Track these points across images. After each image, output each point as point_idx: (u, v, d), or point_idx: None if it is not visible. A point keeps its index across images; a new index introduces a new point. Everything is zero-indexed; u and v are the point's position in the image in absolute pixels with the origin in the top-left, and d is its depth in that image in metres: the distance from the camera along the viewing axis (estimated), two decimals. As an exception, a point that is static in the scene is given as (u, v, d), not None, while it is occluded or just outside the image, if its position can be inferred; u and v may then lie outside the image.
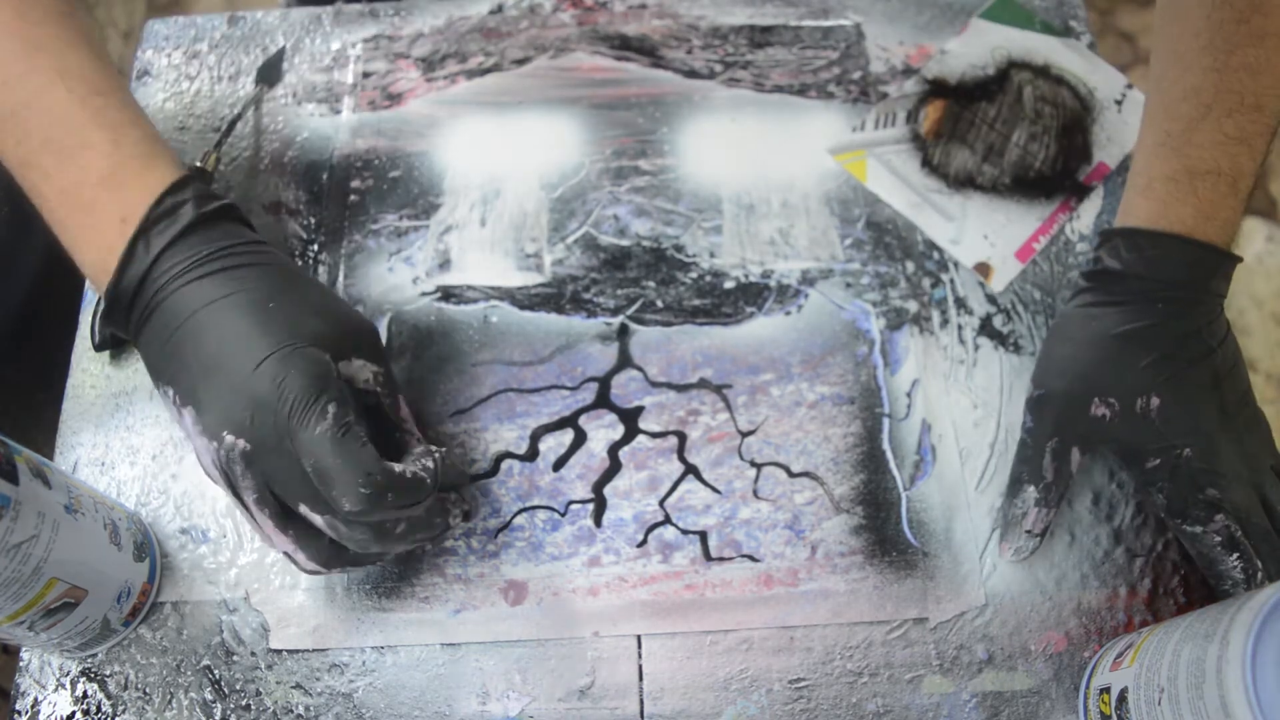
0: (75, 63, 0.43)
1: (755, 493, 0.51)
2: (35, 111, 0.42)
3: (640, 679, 0.47)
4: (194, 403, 0.40)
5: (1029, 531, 0.48)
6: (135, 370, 0.53)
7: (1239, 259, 0.48)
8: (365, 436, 0.40)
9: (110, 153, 0.42)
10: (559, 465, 0.51)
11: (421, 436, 0.45)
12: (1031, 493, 0.48)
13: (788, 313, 0.55)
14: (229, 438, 0.39)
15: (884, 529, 0.50)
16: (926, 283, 0.56)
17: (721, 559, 0.49)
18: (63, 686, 0.46)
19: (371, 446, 0.40)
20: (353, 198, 0.58)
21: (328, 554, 0.41)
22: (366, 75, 0.62)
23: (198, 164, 0.56)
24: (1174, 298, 0.47)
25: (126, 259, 0.41)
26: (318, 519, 0.40)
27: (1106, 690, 0.42)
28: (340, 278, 0.55)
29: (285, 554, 0.41)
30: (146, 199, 0.42)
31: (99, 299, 0.53)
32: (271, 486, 0.40)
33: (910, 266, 0.57)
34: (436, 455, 0.43)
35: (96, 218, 0.42)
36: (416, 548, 0.46)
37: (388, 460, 0.40)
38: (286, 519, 0.40)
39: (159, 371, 0.42)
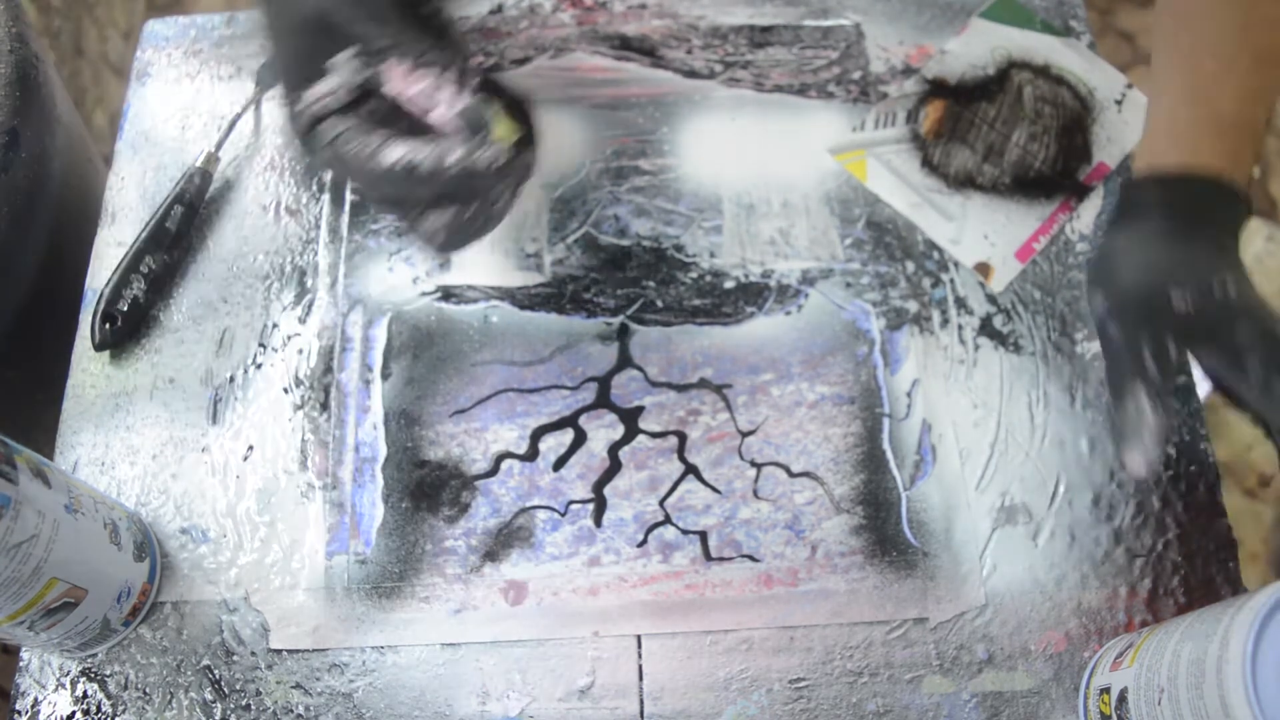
0: None
1: (755, 493, 0.51)
2: None
3: (640, 679, 0.47)
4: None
5: (1152, 434, 0.45)
6: (135, 370, 0.53)
7: (1251, 213, 0.48)
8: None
9: None
10: (559, 465, 0.51)
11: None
12: (1142, 392, 0.45)
13: (788, 313, 0.55)
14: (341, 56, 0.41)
15: (884, 529, 0.50)
16: (926, 283, 0.56)
17: (721, 559, 0.49)
18: (63, 686, 0.46)
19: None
20: (353, 198, 0.58)
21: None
22: (366, 75, 0.62)
23: (198, 164, 0.56)
24: (1211, 221, 0.47)
25: None
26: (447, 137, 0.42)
27: (1106, 690, 0.42)
28: (340, 277, 0.55)
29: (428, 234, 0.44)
30: None
31: (99, 299, 0.53)
32: (396, 50, 0.41)
33: (910, 266, 0.57)
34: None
35: None
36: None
37: None
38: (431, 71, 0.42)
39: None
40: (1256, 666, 0.31)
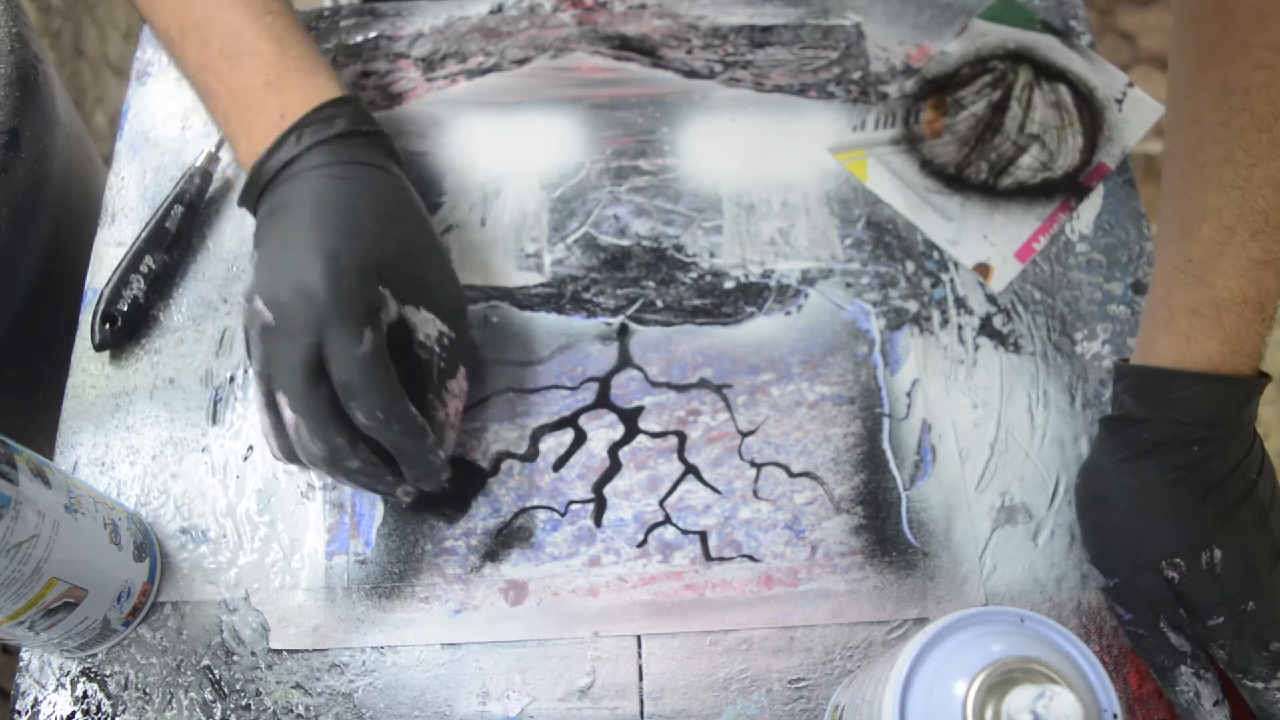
0: None
1: (755, 493, 0.51)
2: (215, 25, 0.48)
3: (640, 679, 0.47)
4: (255, 266, 0.44)
5: (1216, 704, 0.44)
6: (135, 370, 0.53)
7: (1269, 379, 0.45)
8: (394, 371, 0.43)
9: (276, 61, 0.48)
10: (559, 465, 0.51)
11: (453, 421, 0.47)
12: (1187, 673, 0.44)
13: (788, 313, 0.55)
14: (259, 304, 0.42)
15: (884, 529, 0.50)
16: (926, 283, 0.56)
17: (721, 559, 0.49)
18: (63, 686, 0.46)
19: (397, 382, 0.43)
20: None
21: (289, 449, 0.43)
22: (366, 75, 0.62)
23: (198, 164, 0.56)
24: (1208, 436, 0.43)
25: (276, 146, 0.46)
26: (289, 415, 0.42)
27: (837, 706, 0.43)
28: (340, 278, 0.55)
29: (262, 432, 0.44)
30: (306, 103, 0.47)
31: (99, 299, 0.53)
32: (270, 366, 0.42)
33: (910, 266, 0.57)
34: (441, 451, 0.46)
35: (258, 113, 0.47)
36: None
37: None
38: (270, 402, 0.43)
39: (256, 233, 0.46)
40: (909, 688, 0.33)
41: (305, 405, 0.41)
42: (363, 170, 0.46)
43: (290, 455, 0.44)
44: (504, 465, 0.51)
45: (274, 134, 0.46)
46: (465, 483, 0.50)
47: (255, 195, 0.47)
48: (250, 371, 0.43)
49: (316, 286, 0.41)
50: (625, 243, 0.57)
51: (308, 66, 0.48)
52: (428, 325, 0.46)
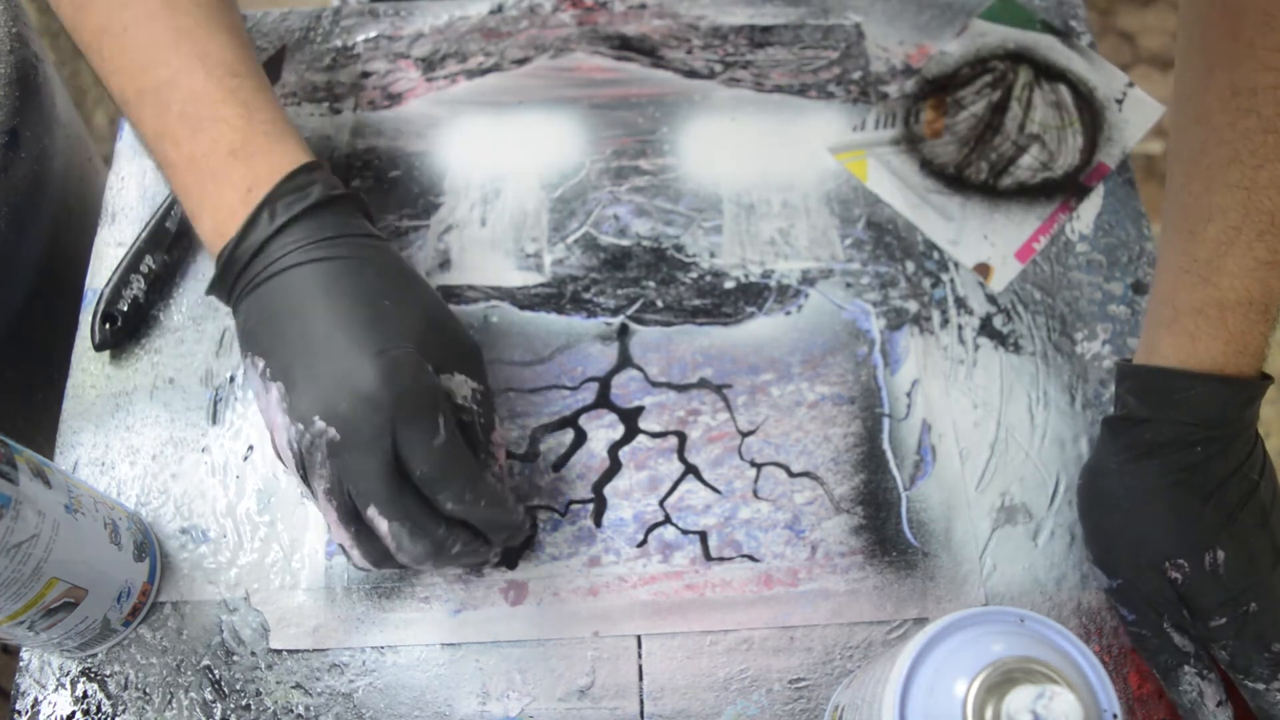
0: (216, 48, 0.45)
1: (755, 493, 0.51)
2: (175, 88, 0.44)
3: (640, 679, 0.47)
4: (287, 381, 0.40)
5: (1220, 705, 0.44)
6: (135, 370, 0.53)
7: (1271, 380, 0.45)
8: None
9: (242, 126, 0.44)
10: (559, 465, 0.51)
11: (504, 465, 0.45)
12: (1190, 674, 0.45)
13: (788, 313, 0.55)
14: (319, 424, 0.39)
15: (884, 529, 0.50)
16: (926, 283, 0.56)
17: (721, 559, 0.49)
18: (63, 686, 0.46)
19: (474, 460, 0.41)
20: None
21: (380, 555, 0.41)
22: (366, 75, 0.62)
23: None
24: (1211, 437, 0.44)
25: (249, 225, 0.42)
26: (383, 525, 0.39)
27: (838, 707, 0.43)
28: (340, 278, 0.55)
29: (340, 546, 0.41)
30: (274, 173, 0.43)
31: (99, 299, 0.53)
32: (346, 482, 0.39)
33: (910, 266, 0.57)
34: (519, 503, 0.44)
35: (222, 185, 0.43)
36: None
37: None
38: (350, 515, 0.40)
39: (253, 340, 0.42)
40: (909, 689, 0.33)
41: (400, 509, 0.39)
42: (352, 244, 0.43)
43: (381, 561, 0.41)
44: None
45: (243, 210, 0.42)
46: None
47: (230, 282, 0.43)
48: (317, 488, 0.40)
49: (378, 389, 0.39)
50: (625, 243, 0.57)
51: (275, 131, 0.44)
52: (463, 387, 0.43)
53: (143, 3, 0.45)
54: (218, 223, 0.43)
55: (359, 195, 0.45)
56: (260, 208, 0.42)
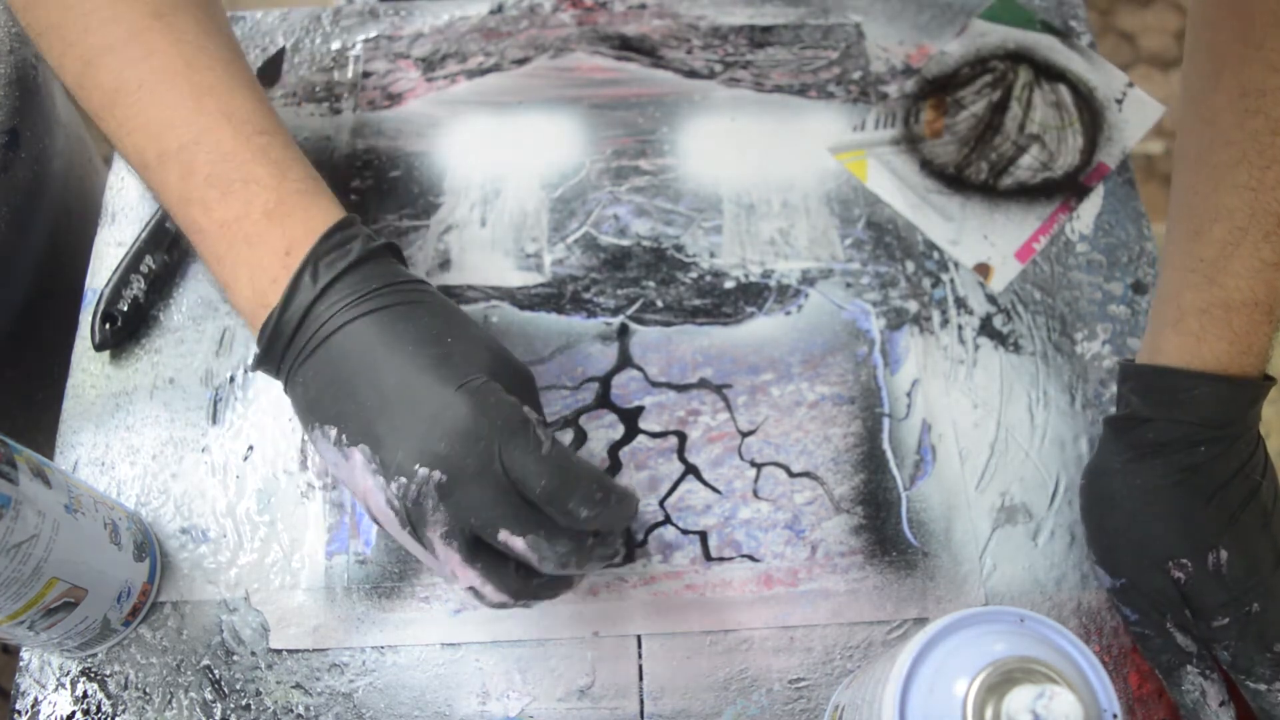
0: (240, 105, 0.43)
1: (755, 493, 0.51)
2: (202, 148, 0.42)
3: (640, 679, 0.47)
4: (370, 440, 0.38)
5: (1222, 704, 0.45)
6: (135, 370, 0.53)
7: (1274, 382, 0.45)
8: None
9: (275, 186, 0.41)
10: (559, 465, 0.51)
11: None
12: (1193, 673, 0.45)
13: (788, 313, 0.55)
14: (422, 470, 0.37)
15: (884, 529, 0.50)
16: (926, 283, 0.56)
17: (721, 559, 0.49)
18: (63, 686, 0.46)
19: (587, 461, 0.39)
20: (353, 197, 0.58)
21: (516, 584, 0.39)
22: (366, 75, 0.62)
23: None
24: (1215, 437, 0.44)
25: (292, 289, 0.40)
26: (519, 542, 0.37)
27: (838, 706, 0.43)
28: (340, 278, 0.55)
29: (470, 589, 0.39)
30: (312, 232, 0.41)
31: (99, 299, 0.53)
32: (467, 517, 0.38)
33: (910, 266, 0.57)
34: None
35: (259, 250, 0.41)
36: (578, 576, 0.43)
37: None
38: (474, 551, 0.38)
39: (320, 411, 0.40)
40: (909, 688, 0.33)
41: (530, 523, 0.37)
42: (400, 292, 0.41)
43: (519, 590, 0.39)
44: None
45: (283, 275, 0.40)
46: None
47: (280, 352, 0.40)
48: (433, 535, 0.38)
49: (472, 419, 0.37)
50: (625, 243, 0.57)
51: (308, 190, 0.42)
52: (529, 416, 0.41)
53: (159, 58, 0.43)
54: (257, 291, 0.41)
55: (394, 244, 0.43)
56: (302, 269, 0.40)
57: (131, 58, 0.43)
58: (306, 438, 0.42)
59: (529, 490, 0.38)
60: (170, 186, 0.42)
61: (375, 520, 0.40)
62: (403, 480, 0.37)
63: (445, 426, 0.37)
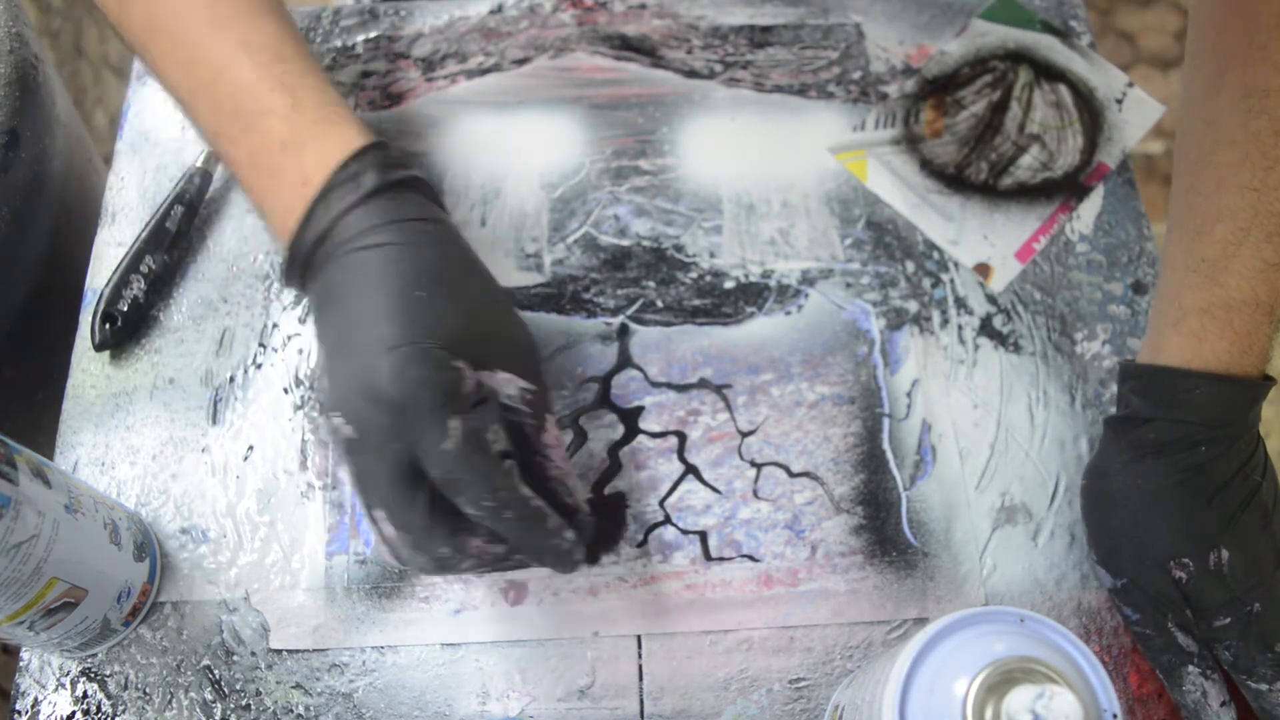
0: (259, 33, 0.44)
1: (755, 493, 0.51)
2: (223, 82, 0.43)
3: (640, 679, 0.47)
4: (324, 373, 0.40)
5: (1223, 705, 0.44)
6: (135, 370, 0.53)
7: (1275, 382, 0.45)
8: (496, 450, 0.39)
9: (289, 116, 0.42)
10: (559, 465, 0.51)
11: (567, 469, 0.43)
12: (1194, 673, 0.45)
13: (788, 313, 0.55)
14: (337, 419, 0.38)
15: (884, 529, 0.50)
16: (926, 283, 0.56)
17: (721, 559, 0.49)
18: (63, 686, 0.46)
19: (501, 462, 0.39)
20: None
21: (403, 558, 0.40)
22: (366, 75, 0.62)
23: (198, 164, 0.56)
24: (1215, 437, 0.44)
25: (305, 221, 0.41)
26: (389, 530, 0.38)
27: (838, 706, 0.43)
28: (340, 278, 0.55)
29: (378, 544, 0.40)
30: (326, 163, 0.41)
31: (99, 299, 0.53)
32: (359, 482, 0.38)
33: (910, 266, 0.57)
34: (583, 516, 0.42)
35: (279, 181, 0.42)
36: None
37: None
38: (372, 518, 0.39)
39: (316, 329, 0.42)
40: (909, 688, 0.33)
41: (402, 518, 0.38)
42: (403, 229, 0.41)
43: (409, 565, 0.40)
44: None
45: (299, 205, 0.41)
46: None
47: (299, 275, 0.42)
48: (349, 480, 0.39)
49: (386, 387, 0.37)
50: (625, 243, 0.57)
51: (324, 117, 0.43)
52: (508, 386, 0.41)
53: None
54: (280, 218, 0.42)
55: (418, 176, 0.43)
56: (314, 203, 0.41)
57: None
58: None
59: (430, 476, 0.38)
60: (203, 119, 0.44)
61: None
62: (328, 418, 0.38)
63: (363, 385, 0.38)
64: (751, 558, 0.49)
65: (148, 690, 0.46)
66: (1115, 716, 0.33)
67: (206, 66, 0.43)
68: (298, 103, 0.42)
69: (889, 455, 0.52)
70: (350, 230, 0.40)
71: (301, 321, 0.54)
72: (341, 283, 0.40)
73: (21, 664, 0.47)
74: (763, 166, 0.59)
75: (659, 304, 0.55)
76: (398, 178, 0.42)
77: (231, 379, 0.53)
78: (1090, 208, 0.59)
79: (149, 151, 0.59)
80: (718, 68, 0.63)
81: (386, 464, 0.37)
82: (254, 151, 0.42)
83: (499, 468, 0.38)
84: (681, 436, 0.52)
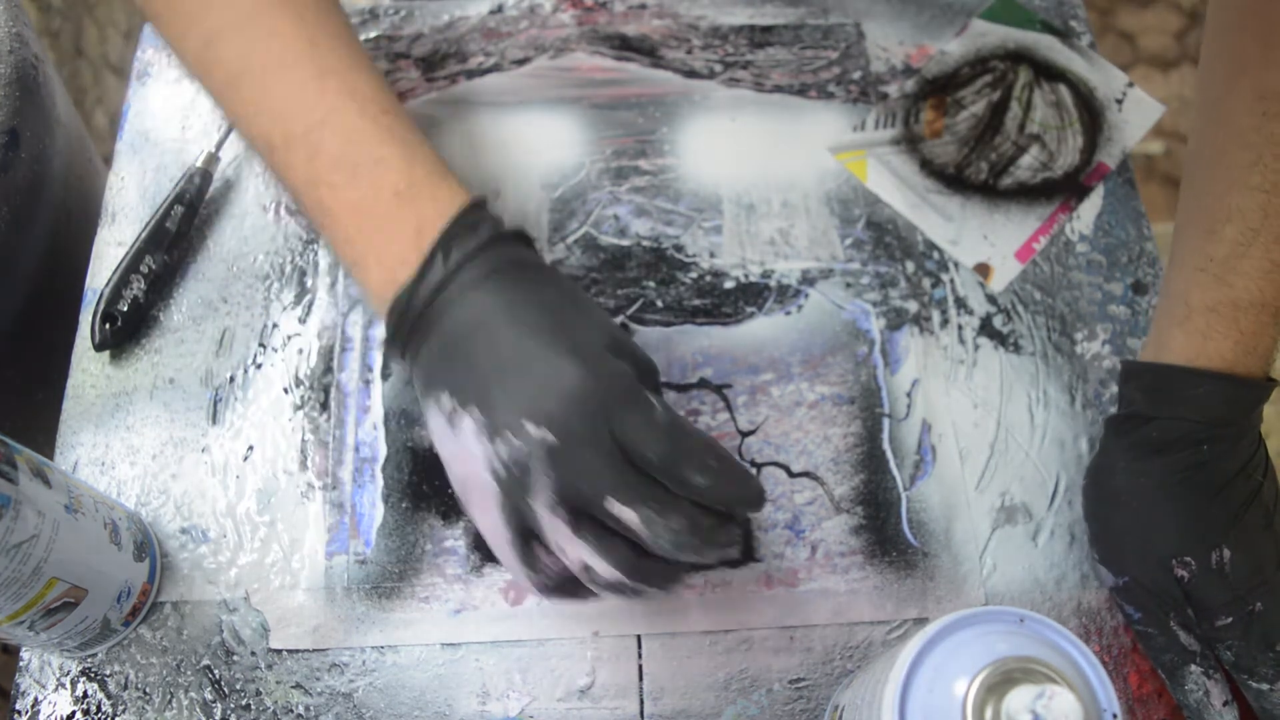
0: (364, 84, 0.43)
1: (755, 493, 0.51)
2: (328, 130, 0.42)
3: (640, 679, 0.47)
4: (480, 402, 0.38)
5: (1226, 704, 0.44)
6: (135, 370, 0.53)
7: (1277, 384, 0.45)
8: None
9: (404, 168, 0.42)
10: (559, 465, 0.51)
11: None
12: (1196, 673, 0.45)
13: (788, 313, 0.55)
14: (530, 428, 0.36)
15: (884, 529, 0.50)
16: (926, 283, 0.56)
17: (721, 559, 0.49)
18: (63, 686, 0.46)
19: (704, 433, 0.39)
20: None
21: (629, 561, 0.37)
22: (366, 75, 0.62)
23: (198, 164, 0.56)
24: (1218, 436, 0.44)
25: (424, 269, 0.40)
26: (629, 513, 0.36)
27: (837, 706, 0.43)
28: (341, 278, 0.55)
29: (582, 566, 0.37)
30: (443, 213, 0.41)
31: (99, 299, 0.53)
32: (575, 483, 0.36)
33: (910, 266, 0.57)
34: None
35: (390, 231, 0.41)
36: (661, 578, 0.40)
37: None
38: (580, 522, 0.37)
39: (435, 378, 0.40)
40: (909, 688, 0.33)
41: (641, 492, 0.36)
42: (529, 270, 0.41)
43: (633, 568, 0.37)
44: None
45: (414, 254, 0.40)
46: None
47: (406, 331, 0.40)
48: (538, 503, 0.37)
49: (585, 380, 0.37)
50: (625, 243, 0.57)
51: (437, 170, 0.42)
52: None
53: (281, 39, 0.43)
54: (387, 271, 0.40)
55: (524, 230, 0.43)
56: (434, 250, 0.40)
57: (254, 37, 0.43)
58: (424, 416, 0.42)
59: (643, 459, 0.37)
60: (296, 169, 0.42)
61: (469, 509, 0.39)
62: (510, 437, 0.37)
63: (556, 388, 0.37)
64: (752, 558, 0.49)
65: (148, 690, 0.46)
66: (1115, 716, 0.33)
67: (309, 114, 0.42)
68: (410, 154, 0.42)
69: (889, 455, 0.52)
70: (476, 274, 0.40)
71: (301, 321, 0.54)
72: (479, 317, 0.39)
73: (21, 664, 0.47)
74: (763, 166, 0.59)
75: (659, 304, 0.55)
76: (510, 230, 0.42)
77: (231, 379, 0.53)
78: (1090, 208, 0.59)
79: (149, 151, 0.59)
80: (718, 68, 0.63)
81: (605, 449, 0.36)
82: (360, 201, 0.41)
83: (704, 434, 0.38)
84: (681, 436, 0.52)
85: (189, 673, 0.46)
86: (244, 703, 0.46)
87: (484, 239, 0.40)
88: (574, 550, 0.37)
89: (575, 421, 0.36)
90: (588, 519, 0.37)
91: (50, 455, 0.51)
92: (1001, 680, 0.32)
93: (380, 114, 0.43)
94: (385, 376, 0.53)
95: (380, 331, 0.54)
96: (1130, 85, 0.62)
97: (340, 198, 0.42)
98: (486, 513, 0.38)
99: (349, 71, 0.43)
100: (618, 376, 0.38)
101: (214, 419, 0.52)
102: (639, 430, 0.37)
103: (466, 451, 0.38)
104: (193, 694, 0.46)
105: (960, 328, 0.55)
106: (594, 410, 0.36)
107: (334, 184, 0.42)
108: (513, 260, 0.41)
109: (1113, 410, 0.52)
